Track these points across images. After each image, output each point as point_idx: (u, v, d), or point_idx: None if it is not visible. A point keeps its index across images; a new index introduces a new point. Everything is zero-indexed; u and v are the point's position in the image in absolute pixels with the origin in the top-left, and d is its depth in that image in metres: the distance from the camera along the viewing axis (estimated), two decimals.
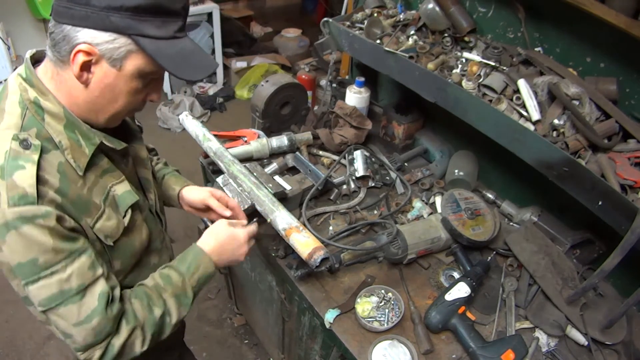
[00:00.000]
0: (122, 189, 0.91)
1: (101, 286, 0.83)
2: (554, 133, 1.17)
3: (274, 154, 1.69)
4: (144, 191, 1.04)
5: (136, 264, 0.99)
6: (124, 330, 0.85)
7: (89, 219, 0.83)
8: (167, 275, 0.96)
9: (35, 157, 0.76)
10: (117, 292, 0.86)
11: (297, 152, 1.69)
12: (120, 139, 0.91)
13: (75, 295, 0.80)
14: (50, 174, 0.78)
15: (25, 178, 0.74)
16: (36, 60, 0.85)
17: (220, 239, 1.06)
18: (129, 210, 0.92)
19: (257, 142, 1.65)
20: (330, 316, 1.21)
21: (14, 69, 2.69)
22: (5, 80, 2.65)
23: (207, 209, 1.22)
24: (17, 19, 2.78)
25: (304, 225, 1.27)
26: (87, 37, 0.74)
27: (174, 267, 0.98)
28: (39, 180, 0.76)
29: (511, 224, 1.56)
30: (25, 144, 0.76)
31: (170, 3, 0.76)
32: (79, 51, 0.74)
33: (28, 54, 0.85)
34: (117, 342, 0.84)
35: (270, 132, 1.82)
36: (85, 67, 0.77)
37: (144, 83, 0.83)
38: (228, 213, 1.19)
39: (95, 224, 0.85)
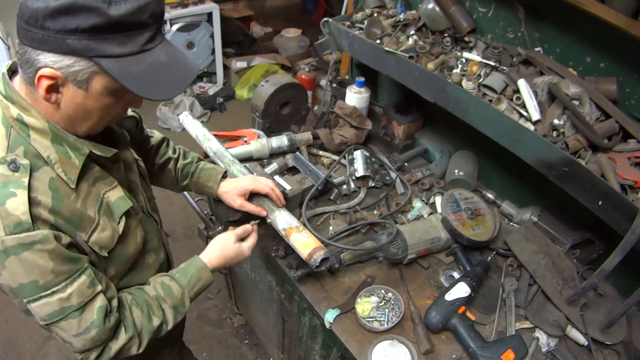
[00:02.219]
0: (116, 195, 0.90)
1: (100, 301, 0.85)
2: (554, 133, 1.17)
3: (274, 154, 1.69)
4: (133, 194, 1.03)
5: (132, 266, 0.99)
6: (122, 338, 0.88)
7: (83, 234, 0.83)
8: (168, 286, 0.98)
9: (25, 179, 0.74)
10: (114, 302, 0.88)
11: (297, 152, 1.69)
12: (108, 144, 0.89)
13: (75, 311, 0.81)
14: (42, 193, 0.76)
15: (18, 205, 0.73)
16: (12, 72, 0.82)
17: (225, 254, 1.10)
18: (124, 217, 0.91)
19: (257, 142, 1.65)
20: (330, 316, 1.21)
21: None
22: None
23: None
24: None
25: (304, 225, 1.27)
26: (48, 61, 0.70)
27: (175, 278, 1.00)
28: (32, 203, 0.74)
29: (511, 224, 1.56)
30: (13, 166, 0.74)
31: (132, 17, 0.69)
32: (41, 76, 0.71)
33: (4, 68, 0.81)
34: (115, 346, 0.88)
35: (270, 132, 1.82)
36: (52, 89, 0.73)
37: (116, 98, 0.79)
38: (264, 213, 1.25)
39: (90, 238, 0.84)
